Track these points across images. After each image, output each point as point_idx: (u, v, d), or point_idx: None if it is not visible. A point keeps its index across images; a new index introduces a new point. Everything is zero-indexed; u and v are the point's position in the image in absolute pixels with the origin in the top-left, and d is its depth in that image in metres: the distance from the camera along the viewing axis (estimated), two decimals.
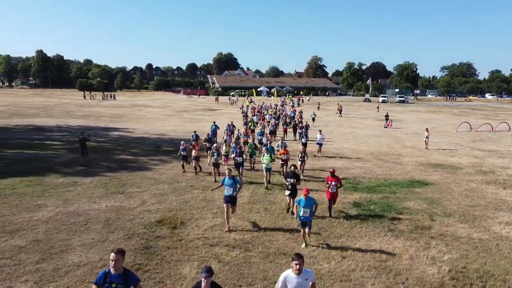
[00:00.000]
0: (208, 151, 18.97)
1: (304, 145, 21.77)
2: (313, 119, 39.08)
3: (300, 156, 16.87)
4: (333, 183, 11.60)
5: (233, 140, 21.61)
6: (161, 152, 22.70)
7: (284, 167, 16.53)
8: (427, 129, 26.51)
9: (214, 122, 26.41)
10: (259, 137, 23.38)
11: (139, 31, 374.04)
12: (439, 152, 25.06)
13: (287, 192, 11.83)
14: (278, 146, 19.06)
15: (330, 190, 11.64)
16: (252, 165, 18.54)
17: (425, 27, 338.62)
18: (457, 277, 8.04)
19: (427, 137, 25.83)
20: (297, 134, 29.01)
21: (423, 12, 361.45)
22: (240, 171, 15.94)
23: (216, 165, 16.21)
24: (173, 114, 49.45)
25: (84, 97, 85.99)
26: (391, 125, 40.44)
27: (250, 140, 23.91)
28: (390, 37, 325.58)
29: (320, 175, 17.42)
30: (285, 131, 30.43)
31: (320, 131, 22.76)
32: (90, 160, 18.76)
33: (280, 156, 16.77)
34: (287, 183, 11.77)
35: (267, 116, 39.32)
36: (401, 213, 12.27)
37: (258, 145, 22.20)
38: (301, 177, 15.41)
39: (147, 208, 12.15)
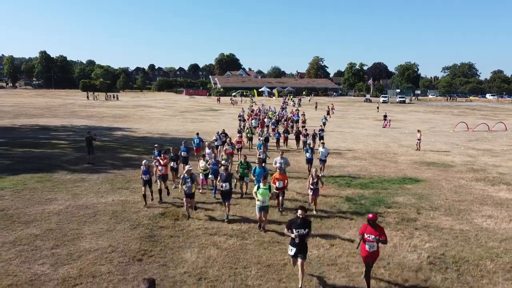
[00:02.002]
0: (174, 173, 14.96)
1: (309, 161, 17.52)
2: (324, 124, 34.80)
3: (311, 182, 12.16)
4: (372, 236, 7.49)
5: (221, 154, 17.18)
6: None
7: (280, 197, 12.16)
8: (418, 130, 26.71)
9: (198, 134, 20.83)
10: (259, 151, 18.14)
11: (142, 32, 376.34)
12: (434, 151, 25.73)
13: (292, 251, 7.62)
14: (276, 163, 14.17)
15: (367, 248, 7.54)
16: (244, 189, 14.05)
17: (427, 28, 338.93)
18: (434, 262, 8.80)
19: (419, 139, 25.91)
20: (301, 143, 25.00)
21: (425, 13, 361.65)
22: (227, 204, 11.32)
23: (190, 195, 11.52)
24: (176, 115, 50.23)
25: (88, 97, 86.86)
26: (389, 125, 41.04)
27: (240, 152, 20.05)
28: (392, 38, 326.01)
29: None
30: (286, 140, 26.09)
31: (323, 143, 18.41)
32: (96, 158, 19.57)
33: (274, 184, 11.77)
34: (292, 236, 7.52)
35: (266, 119, 34.21)
36: (390, 207, 13.02)
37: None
38: (314, 212, 12.16)
39: (151, 202, 12.94)
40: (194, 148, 19.85)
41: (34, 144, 24.45)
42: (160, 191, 13.13)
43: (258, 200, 10.36)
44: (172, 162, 14.86)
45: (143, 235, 9.99)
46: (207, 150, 16.50)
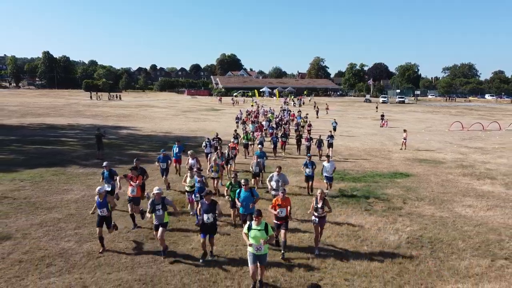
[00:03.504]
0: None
1: (309, 179, 14.23)
2: (335, 128, 32.40)
3: (315, 206, 9.18)
4: None
5: (210, 165, 14.15)
6: (168, 148, 24.60)
7: (283, 231, 9.08)
8: (405, 130, 27.23)
9: (178, 142, 17.37)
10: (256, 161, 14.71)
11: (143, 32, 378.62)
12: (428, 149, 26.81)
13: None
14: (271, 182, 11.59)
15: None
16: (236, 215, 10.91)
17: (428, 28, 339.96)
18: (412, 242, 9.95)
19: (404, 138, 26.20)
20: (303, 149, 22.57)
21: (425, 13, 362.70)
22: (209, 240, 8.79)
23: (162, 226, 8.80)
24: (178, 114, 51.37)
25: (91, 97, 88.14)
26: (386, 124, 42.10)
27: (234, 161, 17.69)
28: (393, 38, 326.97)
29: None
30: (284, 145, 23.49)
31: (329, 156, 15.27)
32: (104, 154, 20.71)
33: (275, 211, 9.19)
34: None
35: (264, 123, 31.10)
36: (379, 198, 14.15)
37: (251, 179, 14.18)
38: (316, 251, 9.21)
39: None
40: (173, 159, 16.42)
41: (45, 142, 25.65)
42: (132, 215, 10.69)
43: (249, 245, 7.31)
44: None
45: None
46: (190, 161, 13.86)
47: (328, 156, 14.66)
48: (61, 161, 19.33)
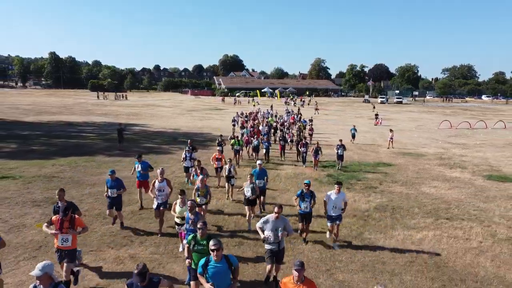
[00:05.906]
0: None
1: (305, 218, 9.90)
2: (354, 136, 29.35)
3: None
4: None
5: (196, 186, 10.79)
6: (179, 142, 27.48)
7: None
8: (391, 130, 29.02)
9: (140, 157, 12.98)
10: (250, 182, 11.10)
11: (145, 33, 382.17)
12: (414, 144, 29.54)
13: None
14: (264, 225, 7.63)
15: None
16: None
17: (429, 29, 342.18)
18: (378, 208, 12.76)
19: (391, 138, 27.45)
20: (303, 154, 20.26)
21: (426, 13, 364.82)
22: None
23: None
24: (183, 113, 54.22)
25: (98, 97, 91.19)
26: (380, 123, 44.77)
27: (220, 173, 14.63)
28: (393, 39, 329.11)
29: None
30: (282, 150, 21.79)
31: (340, 184, 10.13)
32: (123, 147, 23.56)
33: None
34: None
35: (262, 127, 27.58)
36: (360, 180, 16.94)
37: (245, 207, 11.00)
38: None
39: (176, 175, 16.91)
40: (137, 181, 12.63)
41: (68, 136, 28.54)
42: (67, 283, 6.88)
43: None
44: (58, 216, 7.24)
45: (175, 191, 13.93)
46: (157, 183, 10.29)
47: (339, 183, 9.99)
48: (88, 151, 22.20)
